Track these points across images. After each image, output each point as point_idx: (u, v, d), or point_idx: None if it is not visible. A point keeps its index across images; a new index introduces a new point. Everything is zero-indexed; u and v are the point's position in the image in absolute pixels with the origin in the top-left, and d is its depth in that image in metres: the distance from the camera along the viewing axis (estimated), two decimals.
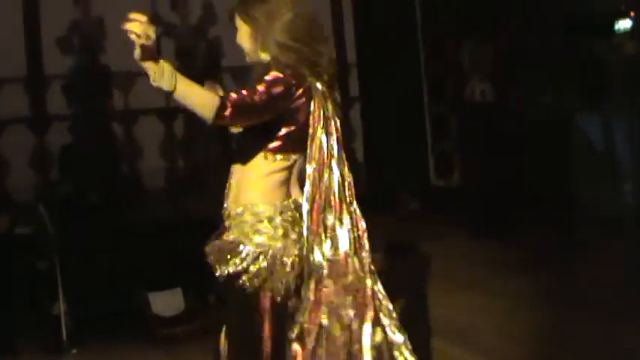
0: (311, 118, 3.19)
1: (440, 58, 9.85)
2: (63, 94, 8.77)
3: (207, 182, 9.36)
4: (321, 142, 3.22)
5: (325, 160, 3.23)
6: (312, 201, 3.19)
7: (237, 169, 3.30)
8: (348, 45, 10.22)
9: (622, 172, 8.47)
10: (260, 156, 3.20)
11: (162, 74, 2.92)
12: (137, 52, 2.87)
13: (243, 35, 3.26)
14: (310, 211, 3.18)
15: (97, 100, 8.52)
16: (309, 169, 3.20)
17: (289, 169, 3.24)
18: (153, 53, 2.88)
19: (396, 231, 8.28)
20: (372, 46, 9.85)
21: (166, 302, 6.31)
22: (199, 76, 9.96)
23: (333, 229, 3.22)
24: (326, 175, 3.23)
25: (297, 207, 3.24)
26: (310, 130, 3.20)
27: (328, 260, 3.19)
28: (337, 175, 3.26)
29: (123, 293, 6.23)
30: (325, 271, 3.19)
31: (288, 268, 3.18)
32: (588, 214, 8.27)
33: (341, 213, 3.24)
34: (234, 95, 3.02)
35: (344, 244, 3.24)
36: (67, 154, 8.51)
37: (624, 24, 8.39)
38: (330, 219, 3.22)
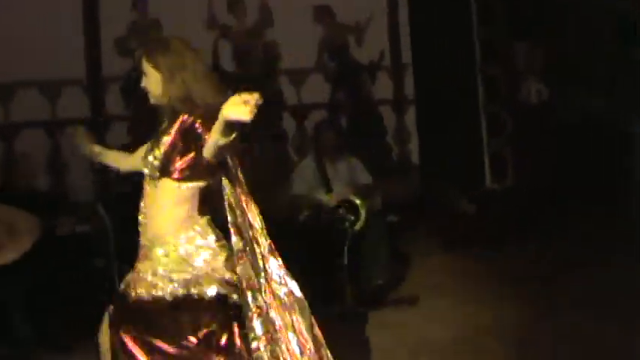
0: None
1: (495, 58, 9.79)
2: (121, 96, 8.92)
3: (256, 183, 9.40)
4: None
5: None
6: None
7: None
8: (404, 46, 10.20)
9: None
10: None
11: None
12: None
13: (152, 80, 3.62)
14: None
15: None
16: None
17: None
18: None
19: (452, 232, 8.26)
20: (427, 47, 9.82)
21: None
22: (256, 78, 9.99)
23: None
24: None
25: None
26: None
27: None
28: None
29: None
30: None
31: None
32: None
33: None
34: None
35: None
36: None
37: None
38: None
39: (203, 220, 3.65)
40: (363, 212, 6.54)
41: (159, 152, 3.58)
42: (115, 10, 8.87)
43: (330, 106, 9.85)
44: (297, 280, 5.77)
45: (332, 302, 6.39)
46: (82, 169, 8.57)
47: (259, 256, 3.64)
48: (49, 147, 8.56)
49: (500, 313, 6.02)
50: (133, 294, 3.58)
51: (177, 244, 3.58)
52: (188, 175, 3.57)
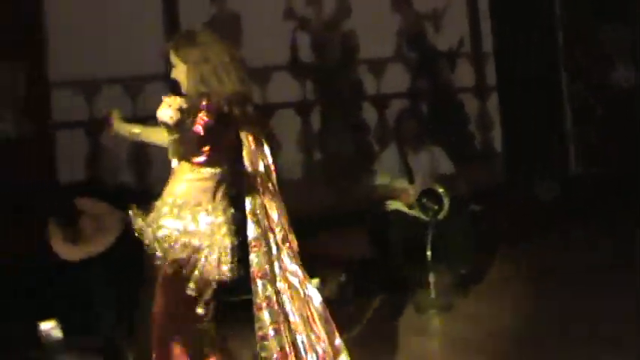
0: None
1: (580, 42, 9.59)
2: None
3: (340, 174, 9.42)
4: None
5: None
6: None
7: None
8: (485, 33, 10.08)
9: None
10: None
11: None
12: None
13: (179, 72, 3.83)
14: None
15: None
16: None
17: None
18: None
19: (536, 220, 8.12)
20: (508, 32, 9.67)
21: None
22: (335, 69, 9.97)
23: None
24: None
25: None
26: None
27: None
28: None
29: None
30: None
31: None
32: None
33: None
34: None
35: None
36: None
37: None
38: None
39: (217, 204, 3.85)
40: (446, 201, 6.48)
41: (178, 138, 3.78)
42: (195, 5, 8.95)
43: (410, 95, 9.79)
44: (379, 269, 5.77)
45: (414, 292, 6.35)
46: (165, 163, 8.69)
47: (273, 246, 3.91)
48: (133, 142, 8.68)
49: (591, 302, 5.88)
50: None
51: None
52: (203, 162, 3.81)
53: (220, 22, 9.03)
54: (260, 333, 3.86)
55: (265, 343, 3.85)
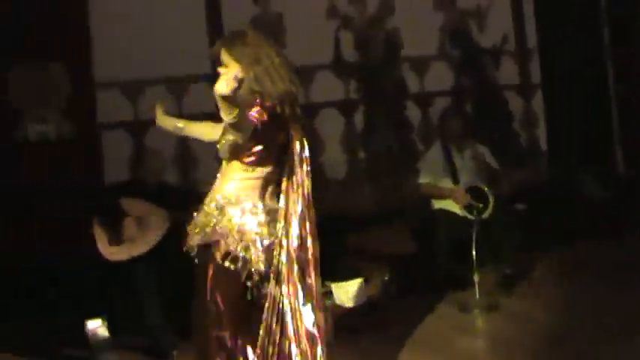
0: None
1: (626, 39, 9.46)
2: None
3: (384, 173, 9.39)
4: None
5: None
6: None
7: None
8: (529, 30, 9.99)
9: None
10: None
11: None
12: None
13: (230, 71, 3.80)
14: None
15: None
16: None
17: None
18: None
19: (582, 220, 8.03)
20: (553, 31, 9.58)
21: (348, 293, 6.37)
22: (378, 67, 9.96)
23: None
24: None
25: None
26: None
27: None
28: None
29: None
30: None
31: None
32: None
33: None
34: None
35: None
36: None
37: None
38: None
39: (265, 203, 3.92)
40: (491, 200, 6.44)
41: (229, 138, 3.81)
42: (238, 5, 8.97)
43: (454, 93, 9.73)
44: (423, 268, 5.75)
45: (459, 291, 6.31)
46: (209, 163, 8.73)
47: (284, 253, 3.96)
48: (177, 142, 8.73)
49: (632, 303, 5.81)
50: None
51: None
52: (254, 161, 3.86)
53: (263, 22, 9.04)
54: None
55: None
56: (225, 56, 3.88)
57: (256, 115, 3.70)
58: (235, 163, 3.91)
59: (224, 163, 4.00)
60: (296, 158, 3.98)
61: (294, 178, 3.99)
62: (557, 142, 9.77)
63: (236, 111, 3.53)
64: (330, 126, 9.27)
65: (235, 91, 3.58)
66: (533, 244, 7.14)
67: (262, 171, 3.91)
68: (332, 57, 9.45)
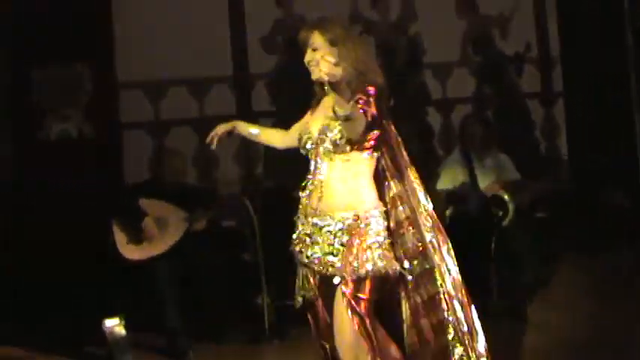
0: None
1: None
2: (267, 93, 9.03)
3: None
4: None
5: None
6: None
7: None
8: (552, 38, 9.94)
9: None
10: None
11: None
12: None
13: (323, 54, 3.57)
14: None
15: (300, 98, 8.68)
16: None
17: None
18: None
19: (604, 229, 7.98)
20: (576, 37, 9.53)
21: None
22: (400, 72, 9.92)
23: None
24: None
25: None
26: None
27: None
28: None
29: None
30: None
31: None
32: None
33: None
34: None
35: None
36: (270, 150, 8.73)
37: None
38: None
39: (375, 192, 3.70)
40: (511, 207, 6.41)
41: (335, 126, 3.61)
42: (260, 8, 8.98)
43: (475, 100, 9.70)
44: None
45: (477, 298, 6.27)
46: (229, 164, 8.75)
47: (424, 228, 3.71)
48: (197, 143, 8.76)
49: None
50: None
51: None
52: (374, 145, 3.66)
53: (286, 25, 9.04)
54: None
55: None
56: (317, 39, 3.66)
57: (365, 106, 3.50)
58: (351, 156, 3.64)
59: (320, 161, 3.70)
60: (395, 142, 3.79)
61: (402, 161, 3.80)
62: (578, 151, 9.71)
63: (349, 102, 3.40)
64: None
65: (338, 76, 3.49)
66: (553, 253, 7.11)
67: (376, 156, 3.72)
68: None
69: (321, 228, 3.63)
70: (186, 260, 6.03)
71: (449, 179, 6.81)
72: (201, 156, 8.69)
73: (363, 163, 3.65)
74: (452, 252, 3.83)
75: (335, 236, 3.60)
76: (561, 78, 9.86)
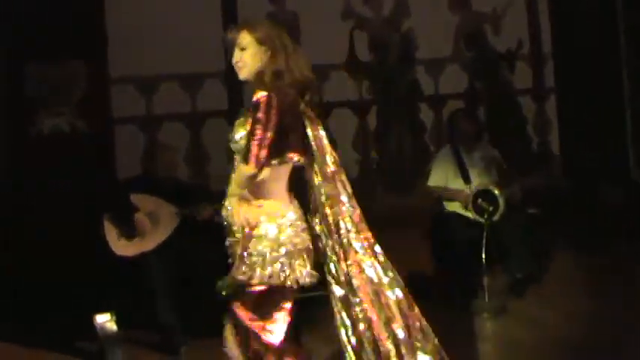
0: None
1: None
2: None
3: (396, 174, 9.39)
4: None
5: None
6: None
7: None
8: (544, 35, 9.96)
9: None
10: None
11: None
12: None
13: (250, 54, 3.75)
14: None
15: None
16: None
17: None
18: None
19: (595, 225, 8.00)
20: (568, 34, 9.55)
21: None
22: (392, 68, 9.87)
23: None
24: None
25: None
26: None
27: None
28: None
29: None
30: None
31: None
32: None
33: None
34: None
35: None
36: None
37: None
38: None
39: (282, 201, 3.84)
40: (501, 202, 6.41)
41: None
42: (253, 3, 8.98)
43: (467, 96, 9.72)
44: (433, 271, 5.69)
45: (469, 295, 6.29)
46: (221, 159, 8.74)
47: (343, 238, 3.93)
48: (189, 138, 8.77)
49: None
50: None
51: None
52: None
53: (278, 21, 9.04)
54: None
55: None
56: (246, 37, 3.76)
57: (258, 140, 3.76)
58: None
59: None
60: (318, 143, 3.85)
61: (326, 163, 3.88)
62: (570, 147, 9.73)
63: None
64: (344, 126, 9.27)
65: (261, 73, 3.59)
66: (545, 249, 7.13)
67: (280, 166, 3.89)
68: (346, 57, 9.46)
69: None
70: (180, 256, 6.02)
71: (440, 175, 6.81)
72: (194, 152, 8.72)
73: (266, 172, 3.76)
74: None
75: None
76: (553, 74, 9.88)
